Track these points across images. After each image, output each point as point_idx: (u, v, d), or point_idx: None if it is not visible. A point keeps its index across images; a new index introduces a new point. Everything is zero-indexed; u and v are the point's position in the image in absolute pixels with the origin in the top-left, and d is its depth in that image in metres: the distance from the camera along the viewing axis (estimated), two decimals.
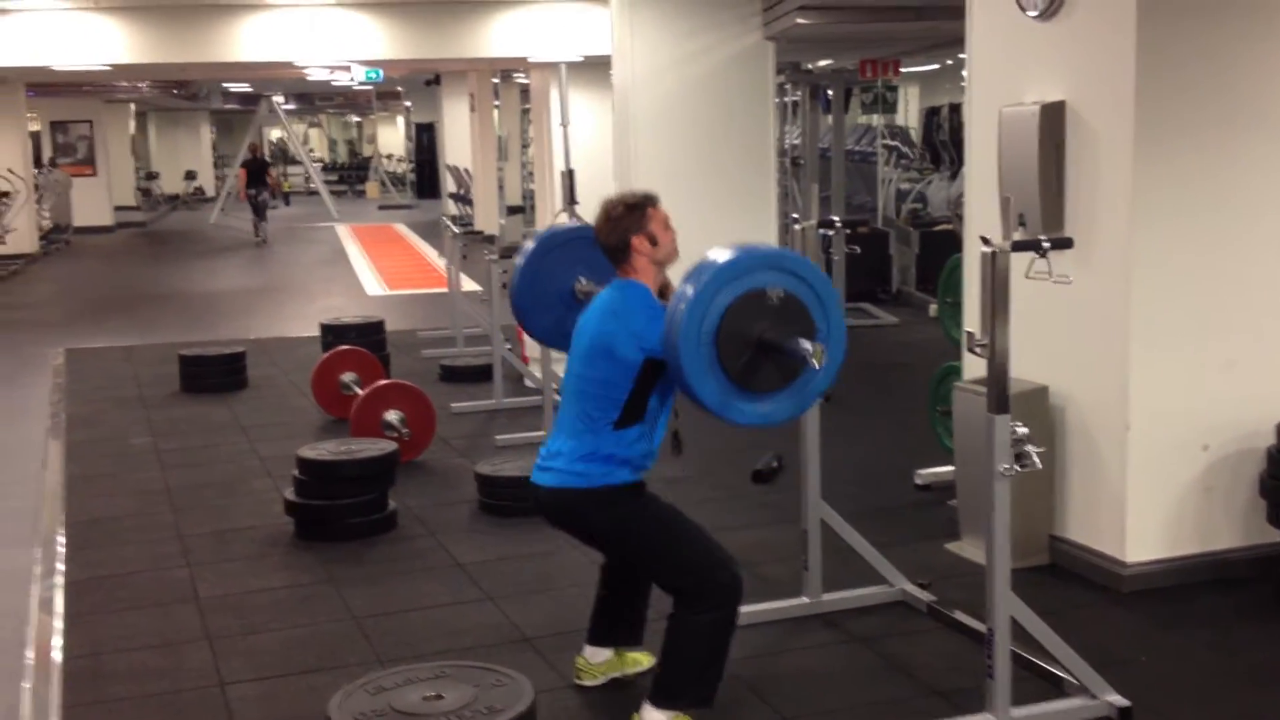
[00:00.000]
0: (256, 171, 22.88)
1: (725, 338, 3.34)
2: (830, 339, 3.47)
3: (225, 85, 27.10)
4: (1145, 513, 4.81)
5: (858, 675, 4.18)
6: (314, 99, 34.88)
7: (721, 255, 3.41)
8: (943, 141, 15.97)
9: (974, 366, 5.26)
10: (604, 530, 3.76)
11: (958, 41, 5.99)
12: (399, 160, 37.81)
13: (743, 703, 3.95)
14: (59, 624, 4.80)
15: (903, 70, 13.49)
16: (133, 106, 28.91)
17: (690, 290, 3.34)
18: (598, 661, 4.06)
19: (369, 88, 28.01)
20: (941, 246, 11.03)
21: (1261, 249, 4.86)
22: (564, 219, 10.06)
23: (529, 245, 4.62)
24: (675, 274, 3.68)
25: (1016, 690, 3.70)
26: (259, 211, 22.34)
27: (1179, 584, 4.80)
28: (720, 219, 9.82)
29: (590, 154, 12.91)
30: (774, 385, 3.45)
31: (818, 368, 3.36)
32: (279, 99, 30.68)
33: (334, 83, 22.71)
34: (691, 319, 3.31)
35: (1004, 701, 3.67)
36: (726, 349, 3.35)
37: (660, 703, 3.63)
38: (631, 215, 3.76)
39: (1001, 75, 5.32)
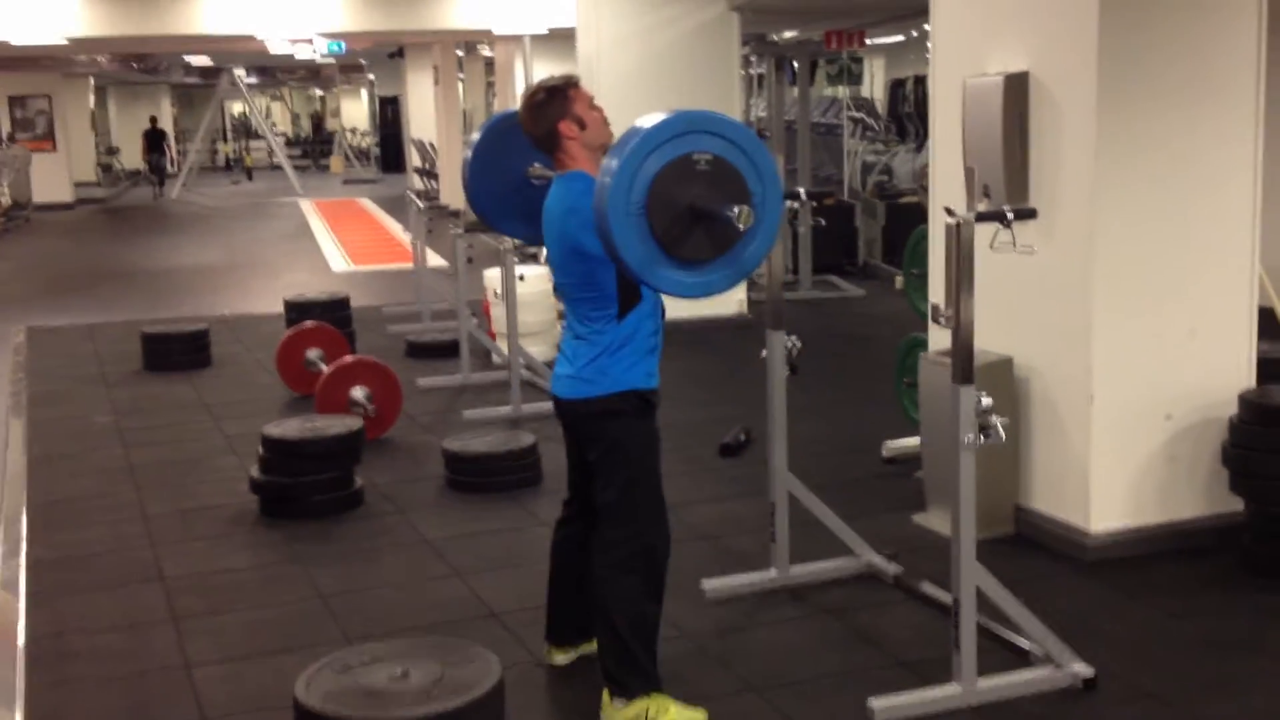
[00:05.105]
0: (155, 140, 27.55)
1: (654, 206, 3.23)
2: (766, 202, 3.37)
3: (185, 59, 26.77)
4: (1109, 483, 4.84)
5: (825, 647, 4.20)
6: (276, 72, 34.49)
7: (646, 122, 3.29)
8: (908, 114, 15.98)
9: (939, 338, 5.27)
10: (601, 435, 3.64)
11: (923, 12, 5.98)
12: (363, 134, 37.45)
13: (711, 675, 3.96)
14: (22, 605, 4.76)
15: (868, 42, 13.47)
16: (92, 80, 28.54)
17: (614, 162, 3.24)
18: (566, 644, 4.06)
19: (331, 60, 27.73)
20: (907, 219, 11.02)
21: (1222, 218, 4.88)
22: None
23: (478, 133, 4.48)
24: None
25: (983, 660, 3.72)
26: (157, 172, 26.58)
27: (1143, 553, 4.83)
28: None
29: None
30: (706, 254, 3.33)
31: (742, 229, 3.25)
32: (240, 72, 30.33)
33: (296, 55, 22.50)
34: (618, 190, 3.21)
35: (970, 672, 3.69)
36: (656, 217, 3.24)
37: (617, 692, 3.62)
38: (553, 100, 3.64)
39: (966, 46, 5.32)
